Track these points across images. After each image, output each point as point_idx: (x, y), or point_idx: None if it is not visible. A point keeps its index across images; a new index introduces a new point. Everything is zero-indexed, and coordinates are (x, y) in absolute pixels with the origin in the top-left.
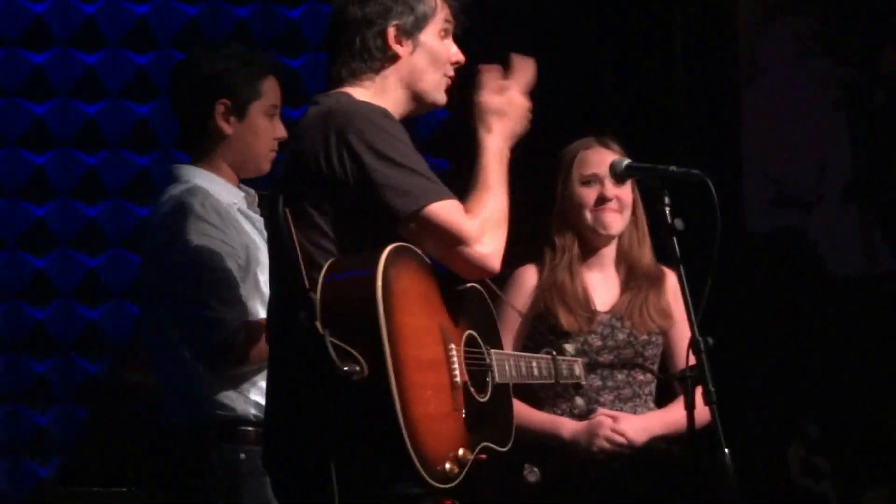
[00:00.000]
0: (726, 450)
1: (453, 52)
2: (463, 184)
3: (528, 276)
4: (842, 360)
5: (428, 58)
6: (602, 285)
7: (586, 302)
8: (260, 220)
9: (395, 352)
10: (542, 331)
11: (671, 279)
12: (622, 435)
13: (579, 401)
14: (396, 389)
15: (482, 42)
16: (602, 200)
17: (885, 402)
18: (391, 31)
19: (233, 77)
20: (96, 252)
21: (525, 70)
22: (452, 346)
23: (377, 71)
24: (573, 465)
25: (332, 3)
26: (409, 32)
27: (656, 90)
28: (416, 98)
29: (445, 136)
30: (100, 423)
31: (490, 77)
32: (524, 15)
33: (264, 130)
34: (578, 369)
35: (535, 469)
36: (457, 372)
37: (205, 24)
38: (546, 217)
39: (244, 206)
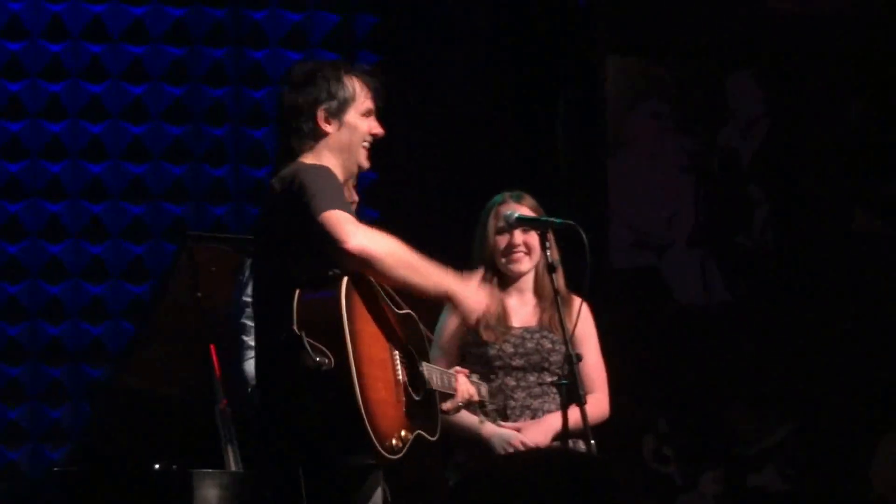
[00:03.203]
0: (592, 441)
1: (372, 127)
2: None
3: None
4: (685, 371)
5: (350, 133)
6: (519, 307)
7: (504, 319)
8: None
9: (354, 350)
10: (468, 341)
11: (576, 303)
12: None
13: (489, 407)
14: (356, 377)
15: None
16: (511, 247)
17: (717, 403)
18: (320, 115)
19: None
20: (99, 281)
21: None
22: (396, 352)
23: (314, 144)
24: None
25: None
26: (335, 114)
27: (543, 158)
28: (345, 163)
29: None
30: (102, 417)
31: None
32: (447, 102)
33: None
34: (484, 390)
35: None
36: (399, 372)
37: (148, 101)
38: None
39: None
